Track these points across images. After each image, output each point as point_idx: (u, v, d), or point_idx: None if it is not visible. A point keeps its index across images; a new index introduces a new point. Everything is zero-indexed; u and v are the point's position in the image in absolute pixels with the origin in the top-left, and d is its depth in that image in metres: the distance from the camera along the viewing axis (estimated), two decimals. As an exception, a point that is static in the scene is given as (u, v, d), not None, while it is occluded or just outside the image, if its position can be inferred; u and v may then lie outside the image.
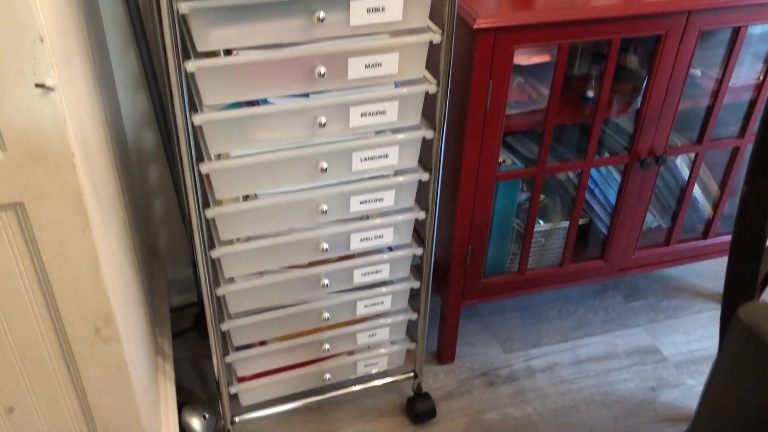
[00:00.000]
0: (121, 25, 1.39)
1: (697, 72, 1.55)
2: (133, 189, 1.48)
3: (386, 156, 1.21)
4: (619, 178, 1.58)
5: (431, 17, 1.09)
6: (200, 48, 1.00)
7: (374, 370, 1.52)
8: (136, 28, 1.34)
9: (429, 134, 1.20)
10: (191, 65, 0.99)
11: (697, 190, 1.71)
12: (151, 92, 1.40)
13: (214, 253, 1.18)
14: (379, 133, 1.20)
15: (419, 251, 1.35)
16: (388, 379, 1.56)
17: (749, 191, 0.91)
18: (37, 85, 0.74)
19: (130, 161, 1.52)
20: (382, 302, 1.39)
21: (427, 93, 1.16)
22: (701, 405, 0.67)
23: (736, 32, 1.40)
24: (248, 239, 1.22)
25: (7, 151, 0.77)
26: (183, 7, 0.94)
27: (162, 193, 1.63)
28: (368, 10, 1.05)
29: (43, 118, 0.76)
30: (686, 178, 1.63)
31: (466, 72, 1.28)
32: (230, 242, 1.21)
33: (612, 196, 1.62)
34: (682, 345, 1.75)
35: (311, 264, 1.30)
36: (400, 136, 1.19)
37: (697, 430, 0.68)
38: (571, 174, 1.61)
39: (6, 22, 0.69)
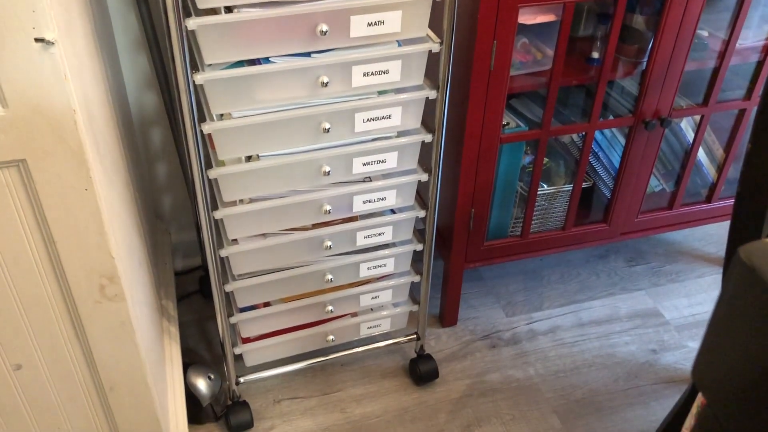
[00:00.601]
0: (134, 39, 1.38)
1: (704, 33, 1.53)
2: (136, 152, 1.48)
3: (389, 117, 1.20)
4: (623, 141, 1.57)
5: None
6: (201, 5, 0.99)
7: (377, 332, 1.53)
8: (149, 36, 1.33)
9: (432, 95, 1.20)
10: (192, 23, 0.98)
11: (701, 154, 1.70)
12: (152, 53, 1.39)
13: (217, 215, 1.19)
14: (381, 93, 1.19)
15: (422, 214, 1.35)
16: (391, 341, 1.57)
17: (753, 149, 0.90)
18: (36, 40, 0.73)
19: (132, 124, 1.51)
20: (384, 264, 1.40)
21: (430, 52, 1.15)
22: (700, 352, 0.67)
23: (745, -9, 1.38)
24: (251, 201, 1.22)
25: (9, 107, 0.77)
26: (191, 25, 0.93)
27: (165, 156, 1.63)
28: (369, 24, 1.04)
29: (44, 73, 0.75)
30: (691, 141, 1.62)
31: (469, 31, 1.26)
32: (233, 203, 1.21)
33: (616, 160, 1.61)
34: (683, 308, 1.76)
35: (314, 226, 1.30)
36: (403, 96, 1.18)
37: (696, 380, 0.68)
38: (575, 137, 1.60)
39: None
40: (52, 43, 0.74)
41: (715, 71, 1.49)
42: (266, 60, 1.09)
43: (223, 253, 1.24)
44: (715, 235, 1.97)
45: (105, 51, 1.21)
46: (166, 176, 1.67)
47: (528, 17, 1.33)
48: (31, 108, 0.77)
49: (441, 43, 1.14)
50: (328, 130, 1.16)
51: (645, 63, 1.43)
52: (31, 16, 0.72)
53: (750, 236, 1.00)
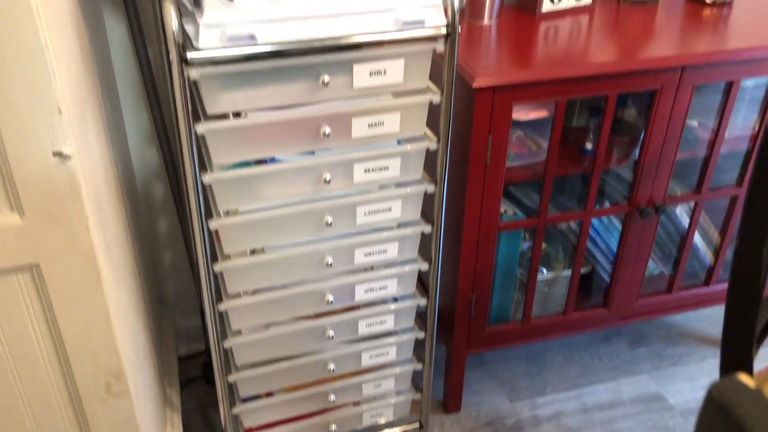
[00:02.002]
0: (133, 85, 1.45)
1: (694, 123, 1.59)
2: (144, 240, 1.52)
3: (389, 209, 1.24)
4: (620, 225, 1.61)
5: (431, 76, 1.14)
6: (210, 111, 1.05)
7: (380, 421, 1.53)
8: (148, 87, 1.39)
9: (431, 188, 1.24)
10: (201, 128, 1.04)
11: (697, 238, 1.73)
12: (162, 148, 1.45)
13: (222, 307, 1.21)
14: (382, 187, 1.23)
15: (423, 302, 1.37)
16: (395, 429, 1.56)
17: (741, 248, 0.93)
18: (54, 153, 0.78)
19: (140, 213, 1.55)
20: (387, 353, 1.41)
21: (428, 149, 1.20)
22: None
23: (730, 86, 1.44)
24: (255, 292, 1.25)
25: (25, 215, 0.80)
26: (194, 74, 0.99)
27: (171, 244, 1.67)
28: (371, 73, 1.09)
29: (60, 183, 0.80)
30: (686, 226, 1.65)
31: (466, 127, 1.32)
32: (237, 295, 1.23)
33: (613, 244, 1.64)
34: (687, 393, 1.75)
35: (317, 315, 1.32)
36: (403, 190, 1.23)
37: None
38: (572, 223, 1.63)
39: (27, 96, 0.74)
40: (69, 157, 0.78)
41: (706, 160, 1.54)
42: (272, 158, 1.14)
43: (227, 344, 1.26)
44: (716, 317, 1.97)
45: (116, 146, 1.26)
46: (171, 262, 1.70)
47: (522, 114, 1.39)
48: (46, 215, 0.81)
49: (438, 141, 1.19)
50: (330, 224, 1.20)
51: (637, 153, 1.48)
52: (51, 132, 0.77)
53: (745, 323, 1.02)
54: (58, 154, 0.78)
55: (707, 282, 1.74)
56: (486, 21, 1.49)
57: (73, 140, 0.79)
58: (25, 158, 0.77)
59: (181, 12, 1.01)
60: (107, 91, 1.25)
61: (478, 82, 1.25)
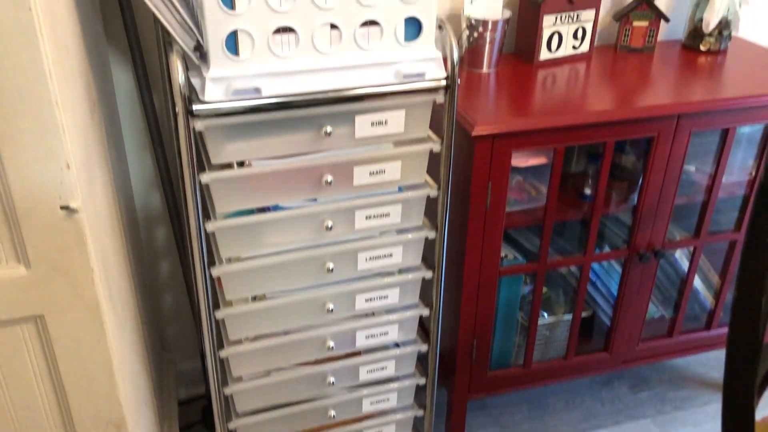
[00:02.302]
0: (138, 131, 1.47)
1: (692, 168, 1.61)
2: (145, 283, 1.53)
3: (390, 255, 1.25)
4: (620, 269, 1.61)
5: (432, 124, 1.16)
6: (215, 161, 1.07)
7: (381, 467, 1.51)
8: (152, 133, 1.42)
9: (431, 235, 1.25)
10: (206, 177, 1.05)
11: (697, 281, 1.73)
12: (166, 193, 1.46)
13: (223, 353, 1.21)
14: (383, 233, 1.24)
15: (424, 348, 1.37)
16: (395, 476, 1.54)
17: (740, 298, 0.93)
18: (62, 207, 0.79)
19: (142, 256, 1.56)
20: (388, 399, 1.40)
21: (428, 196, 1.21)
22: None
23: (726, 133, 1.46)
24: (256, 338, 1.25)
25: (32, 267, 0.82)
26: (199, 125, 1.01)
27: (172, 287, 1.67)
28: (372, 124, 1.12)
29: (67, 236, 0.81)
30: (686, 269, 1.66)
31: (466, 174, 1.34)
32: (238, 341, 1.24)
33: (614, 288, 1.65)
34: (691, 438, 1.73)
35: (317, 361, 1.32)
36: (404, 236, 1.24)
37: None
38: (572, 267, 1.64)
39: (37, 152, 0.75)
40: (76, 211, 0.79)
41: (704, 205, 1.56)
42: (275, 206, 1.15)
43: (228, 391, 1.25)
44: (718, 360, 1.96)
45: (121, 192, 1.28)
46: (171, 305, 1.70)
47: (520, 160, 1.41)
48: (52, 268, 0.82)
49: (438, 189, 1.21)
50: (332, 270, 1.21)
51: (636, 198, 1.49)
52: (59, 187, 0.78)
53: (746, 372, 1.02)
54: (66, 208, 0.79)
55: (708, 326, 1.74)
56: (485, 69, 1.52)
57: (80, 194, 0.80)
58: (33, 212, 0.78)
59: (188, 64, 1.04)
60: (113, 137, 1.27)
61: (478, 131, 1.27)
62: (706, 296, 1.75)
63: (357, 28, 1.03)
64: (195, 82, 1.03)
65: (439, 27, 1.11)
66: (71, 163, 0.78)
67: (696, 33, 1.64)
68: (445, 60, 1.10)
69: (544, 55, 1.55)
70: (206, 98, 0.99)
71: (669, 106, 1.36)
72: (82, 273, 0.83)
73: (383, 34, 1.05)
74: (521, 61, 1.57)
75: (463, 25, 1.49)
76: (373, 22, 1.04)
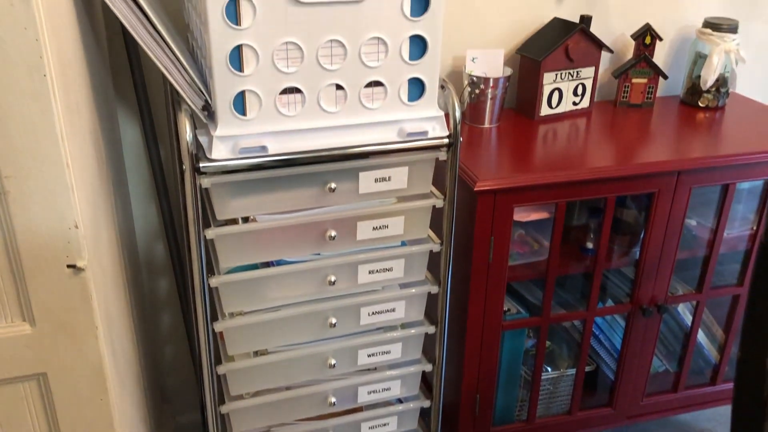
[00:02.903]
0: (144, 182, 1.49)
1: (693, 222, 1.62)
2: (147, 334, 1.52)
3: (393, 310, 1.25)
4: (623, 323, 1.61)
5: (435, 179, 1.17)
6: (220, 217, 1.08)
7: None
8: (158, 185, 1.43)
9: (434, 289, 1.25)
10: (211, 233, 1.06)
11: (701, 335, 1.72)
12: (170, 245, 1.47)
13: (224, 409, 1.20)
14: (386, 288, 1.25)
15: (427, 403, 1.36)
16: None
17: (744, 358, 0.93)
18: (69, 266, 0.80)
19: (145, 307, 1.56)
20: (389, 455, 1.39)
21: (431, 251, 1.22)
22: None
23: (726, 189, 1.48)
24: (257, 393, 1.24)
25: (36, 325, 0.82)
26: (205, 182, 1.03)
27: (173, 338, 1.67)
28: (376, 180, 1.13)
29: (72, 295, 0.81)
30: (690, 323, 1.65)
31: (468, 228, 1.34)
32: (240, 397, 1.23)
33: (617, 342, 1.64)
34: (699, 496, 1.70)
35: (319, 417, 1.31)
36: (407, 291, 1.24)
37: None
38: (576, 320, 1.63)
39: (47, 213, 0.77)
40: (83, 270, 0.80)
41: (706, 259, 1.56)
42: (278, 260, 1.16)
43: (228, 447, 1.24)
44: (724, 415, 1.94)
45: (125, 243, 1.29)
46: (172, 357, 1.69)
47: (523, 215, 1.42)
48: (56, 326, 0.82)
49: (441, 243, 1.22)
50: (334, 325, 1.21)
51: (638, 253, 1.50)
52: (66, 246, 0.79)
53: (750, 429, 1.01)
54: (73, 267, 0.80)
55: (713, 381, 1.72)
56: (487, 124, 1.54)
57: (87, 252, 0.81)
58: (40, 270, 0.79)
59: (195, 121, 1.06)
60: (119, 190, 1.29)
61: (480, 186, 1.28)
62: (711, 351, 1.74)
63: (362, 88, 1.06)
64: (202, 139, 1.05)
65: (442, 87, 1.14)
66: (79, 222, 0.79)
67: (694, 89, 1.67)
68: (447, 118, 1.12)
69: (545, 110, 1.58)
70: (213, 156, 1.01)
71: (669, 162, 1.38)
72: (87, 331, 0.83)
73: (387, 94, 1.07)
74: (522, 117, 1.60)
75: (465, 82, 1.52)
76: (377, 83, 1.06)
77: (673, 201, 1.43)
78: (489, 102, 1.52)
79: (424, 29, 1.05)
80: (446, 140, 1.12)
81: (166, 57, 0.99)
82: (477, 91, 1.51)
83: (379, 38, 1.03)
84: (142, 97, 1.36)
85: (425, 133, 1.11)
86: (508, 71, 1.53)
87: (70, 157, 0.77)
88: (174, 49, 0.99)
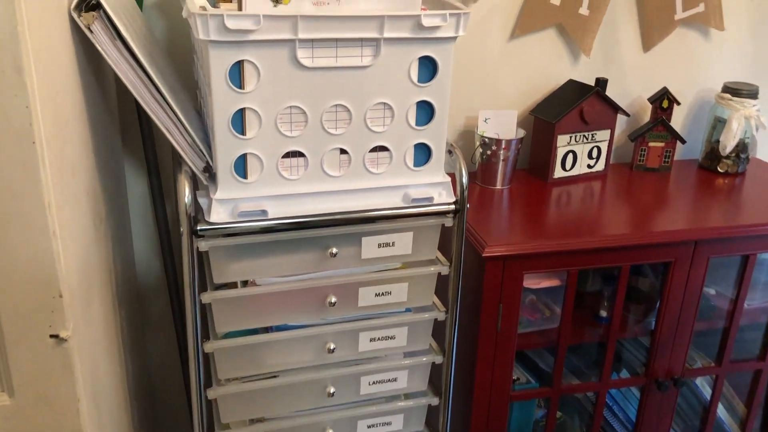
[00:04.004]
0: (150, 239, 1.48)
1: (711, 291, 1.56)
2: (142, 393, 1.48)
3: (395, 380, 1.21)
4: (638, 394, 1.54)
5: (441, 243, 1.14)
6: (217, 280, 1.05)
7: None
8: (163, 242, 1.41)
9: (438, 359, 1.21)
10: (207, 297, 1.03)
11: (721, 409, 1.65)
12: (173, 302, 1.44)
13: (216, 479, 1.16)
14: (388, 356, 1.20)
15: (428, 478, 1.30)
16: None
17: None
18: (51, 336, 0.77)
19: (145, 365, 1.53)
20: None
21: (436, 319, 1.18)
22: None
23: (746, 259, 1.42)
24: (252, 462, 1.19)
25: (15, 396, 0.79)
26: (203, 245, 1.00)
27: (171, 399, 1.63)
28: (379, 245, 1.10)
29: (54, 366, 0.78)
30: (709, 397, 1.58)
31: (476, 294, 1.30)
32: (234, 465, 1.18)
33: (632, 413, 1.57)
34: None
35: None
36: (409, 360, 1.20)
37: None
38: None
39: (29, 282, 0.74)
40: (65, 340, 0.77)
41: (726, 331, 1.50)
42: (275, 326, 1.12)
43: None
44: (747, 494, 1.84)
45: (123, 302, 1.26)
46: (168, 421, 1.65)
47: (533, 282, 1.38)
48: (37, 397, 0.79)
49: (447, 312, 1.17)
50: (332, 394, 1.16)
51: (653, 322, 1.44)
52: (49, 316, 0.76)
53: None
54: (55, 337, 0.77)
55: (734, 459, 1.64)
56: (498, 186, 1.51)
57: (72, 322, 0.79)
58: (20, 340, 0.76)
59: (196, 182, 1.04)
60: (121, 246, 1.27)
61: (489, 252, 1.25)
62: (731, 426, 1.65)
63: (366, 153, 1.04)
64: (202, 201, 1.02)
65: (449, 151, 1.11)
66: (64, 291, 0.76)
67: (713, 154, 1.63)
68: (454, 183, 1.10)
69: (559, 173, 1.55)
70: (212, 220, 0.99)
71: (686, 231, 1.34)
72: (68, 404, 0.80)
73: (392, 159, 1.05)
74: (535, 178, 1.57)
75: (477, 142, 1.50)
76: (382, 148, 1.04)
77: (690, 271, 1.38)
78: (501, 163, 1.49)
79: (432, 95, 1.03)
80: (452, 206, 1.09)
81: (168, 118, 0.98)
82: (489, 152, 1.48)
83: (385, 104, 1.01)
84: (150, 151, 1.35)
85: (431, 199, 1.08)
86: (521, 133, 1.51)
87: (59, 225, 0.75)
88: (176, 110, 0.97)
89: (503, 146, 1.47)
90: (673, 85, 1.64)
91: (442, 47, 1.00)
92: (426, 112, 1.04)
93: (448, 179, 1.09)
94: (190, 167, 1.00)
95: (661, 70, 1.65)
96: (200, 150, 1.01)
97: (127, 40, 0.92)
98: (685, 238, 1.34)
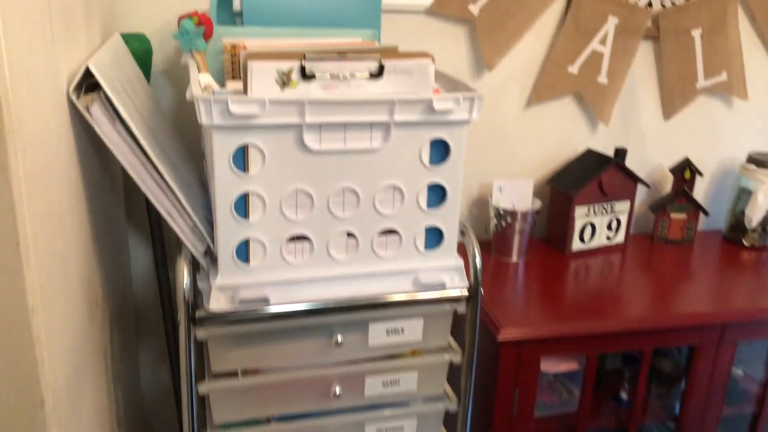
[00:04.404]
0: (153, 311, 1.43)
1: (740, 372, 1.48)
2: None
3: (403, 477, 1.13)
4: (662, 482, 1.45)
5: (453, 328, 1.08)
6: (215, 369, 0.99)
7: None
8: (165, 315, 1.37)
9: (449, 451, 1.14)
10: (204, 387, 0.98)
11: (751, 498, 1.55)
12: (176, 388, 1.38)
13: None
14: (396, 446, 1.13)
15: None
16: None
17: None
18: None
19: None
20: None
21: (447, 412, 1.11)
22: None
23: (776, 342, 1.35)
24: None
25: None
26: (201, 334, 0.95)
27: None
28: (387, 332, 1.04)
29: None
30: (738, 485, 1.49)
31: (490, 378, 1.24)
32: None
33: (656, 501, 1.48)
34: None
35: None
36: (419, 452, 1.13)
37: None
38: (608, 476, 1.48)
39: (8, 391, 0.69)
40: (47, 451, 0.72)
41: (756, 417, 1.41)
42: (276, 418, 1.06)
43: None
44: None
45: (121, 381, 1.21)
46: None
47: (550, 366, 1.31)
48: None
49: (459, 402, 1.11)
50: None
51: (678, 407, 1.36)
52: (31, 424, 0.71)
53: None
54: (37, 450, 0.72)
55: None
56: (514, 258, 1.46)
57: (55, 428, 0.73)
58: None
59: (197, 265, 1.00)
60: (120, 326, 1.22)
61: (504, 335, 1.18)
62: None
63: (375, 236, 0.99)
64: (202, 286, 0.98)
65: (462, 232, 1.06)
66: (47, 399, 0.71)
67: (738, 227, 1.57)
68: (467, 271, 1.04)
69: (577, 245, 1.49)
70: (211, 308, 0.94)
71: (712, 314, 1.27)
72: None
73: (402, 242, 1.00)
74: (552, 250, 1.51)
75: (492, 213, 1.45)
76: (391, 231, 0.99)
77: (717, 354, 1.31)
78: (517, 235, 1.43)
79: (444, 177, 0.98)
80: (465, 292, 1.03)
81: (169, 201, 0.94)
82: (504, 223, 1.43)
83: (395, 186, 0.97)
84: (154, 223, 1.31)
85: (442, 284, 1.02)
86: (538, 204, 1.46)
87: (44, 327, 0.70)
88: (178, 194, 0.93)
89: (519, 218, 1.42)
90: (695, 154, 1.59)
91: (455, 130, 0.96)
92: (437, 194, 1.00)
93: (461, 263, 1.03)
94: (190, 251, 0.96)
95: (683, 138, 1.60)
96: (201, 233, 0.96)
97: (127, 122, 0.88)
98: (710, 322, 1.27)
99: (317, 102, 0.88)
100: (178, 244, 0.97)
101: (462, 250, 1.04)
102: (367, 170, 0.94)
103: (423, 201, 0.99)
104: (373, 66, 0.91)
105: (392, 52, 0.91)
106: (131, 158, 0.91)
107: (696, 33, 1.49)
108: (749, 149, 1.61)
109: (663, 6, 1.48)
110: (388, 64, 0.91)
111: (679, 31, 1.48)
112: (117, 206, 1.24)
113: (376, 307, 1.01)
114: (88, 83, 0.90)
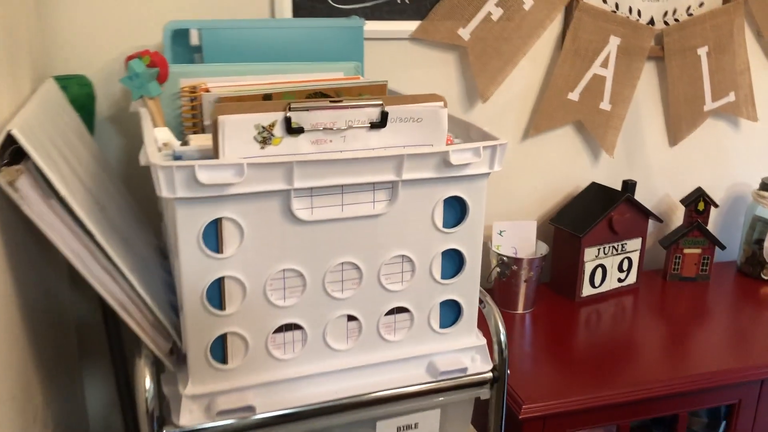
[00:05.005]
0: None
1: (769, 421, 1.34)
2: None
3: None
4: None
5: (474, 415, 0.91)
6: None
7: None
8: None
9: None
10: None
11: None
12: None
13: None
14: None
15: None
16: None
17: None
18: None
19: None
20: None
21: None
22: None
23: (816, 391, 1.22)
24: None
25: None
26: (171, 455, 0.76)
27: None
28: (399, 430, 0.86)
29: None
30: None
31: (510, 458, 1.07)
32: None
33: None
34: None
35: None
36: None
37: None
38: None
39: None
40: None
41: (794, 473, 1.27)
42: None
43: None
44: None
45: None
46: None
47: (577, 439, 1.15)
48: None
49: (482, 498, 0.93)
50: None
51: (713, 470, 1.22)
52: None
53: None
54: None
55: None
56: (520, 310, 1.29)
57: None
58: None
59: (161, 366, 0.80)
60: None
61: (527, 412, 1.02)
62: None
63: (381, 317, 0.81)
64: (169, 391, 0.78)
65: (481, 302, 0.89)
66: None
67: (754, 259, 1.44)
68: (490, 345, 0.87)
69: (587, 290, 1.34)
70: (182, 423, 0.74)
71: (749, 370, 1.12)
72: None
73: (414, 322, 0.83)
74: (561, 297, 1.35)
75: (493, 261, 1.29)
76: (401, 309, 0.82)
77: (758, 410, 1.16)
78: (522, 285, 1.27)
79: (460, 242, 0.81)
80: (489, 375, 0.86)
81: (120, 290, 0.74)
82: (508, 272, 1.27)
83: (403, 256, 0.79)
84: (109, 315, 1.10)
85: (463, 369, 0.85)
86: (543, 248, 1.30)
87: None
88: (133, 282, 0.74)
89: (524, 265, 1.26)
90: (703, 181, 1.46)
91: (474, 185, 0.79)
92: (454, 261, 0.83)
93: (484, 341, 0.86)
94: (152, 351, 0.76)
95: (690, 165, 1.47)
96: (165, 328, 0.77)
97: (65, 198, 0.69)
98: (749, 378, 1.13)
99: (307, 162, 0.70)
100: (136, 343, 0.77)
101: (480, 320, 0.87)
102: (369, 239, 0.77)
103: (437, 271, 0.82)
104: (374, 114, 0.73)
105: (400, 98, 0.74)
106: (73, 243, 0.71)
107: (702, 51, 1.36)
108: (761, 174, 1.49)
109: (666, 23, 1.35)
110: (392, 110, 0.73)
111: (685, 49, 1.35)
112: (63, 297, 1.04)
113: (385, 401, 0.83)
114: (13, 149, 0.70)
